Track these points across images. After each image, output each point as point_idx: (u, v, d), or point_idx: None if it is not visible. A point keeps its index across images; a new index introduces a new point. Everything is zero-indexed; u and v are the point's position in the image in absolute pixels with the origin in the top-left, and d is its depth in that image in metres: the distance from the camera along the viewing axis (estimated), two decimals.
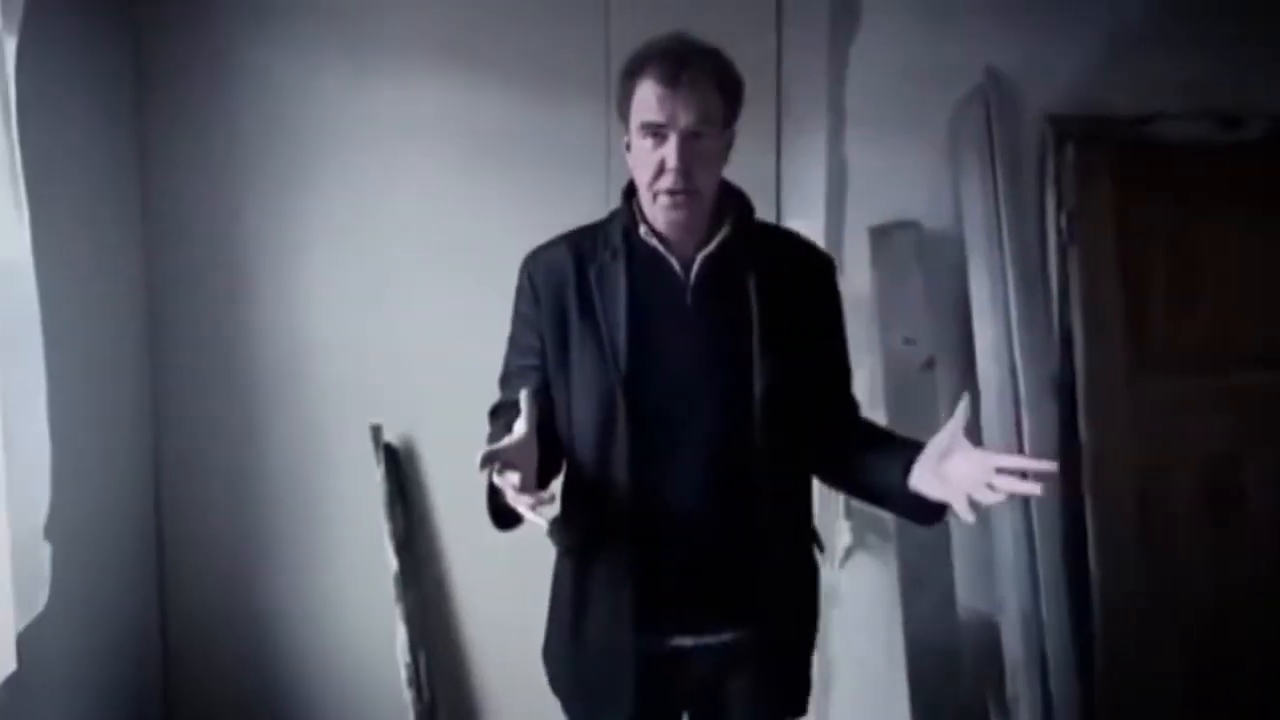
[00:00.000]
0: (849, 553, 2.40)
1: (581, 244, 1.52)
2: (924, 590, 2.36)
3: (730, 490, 1.46)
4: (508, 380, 1.54)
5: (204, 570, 2.47)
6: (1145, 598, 2.31)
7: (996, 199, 2.30)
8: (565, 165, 2.40)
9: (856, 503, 2.39)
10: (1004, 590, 2.30)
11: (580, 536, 1.51)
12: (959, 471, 1.36)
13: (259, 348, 2.45)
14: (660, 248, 1.47)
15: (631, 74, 1.44)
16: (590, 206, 2.50)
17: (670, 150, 1.40)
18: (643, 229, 1.48)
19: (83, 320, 2.01)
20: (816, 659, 2.38)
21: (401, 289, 2.45)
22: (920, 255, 2.34)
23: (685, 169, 1.40)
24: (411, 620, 2.46)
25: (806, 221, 2.41)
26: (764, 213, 2.46)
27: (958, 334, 2.35)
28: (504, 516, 1.37)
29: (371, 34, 2.41)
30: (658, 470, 1.44)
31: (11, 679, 1.70)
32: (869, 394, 2.36)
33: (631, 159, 1.46)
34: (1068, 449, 2.31)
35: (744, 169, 2.45)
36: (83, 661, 2.01)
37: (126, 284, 2.34)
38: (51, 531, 1.74)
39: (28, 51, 1.64)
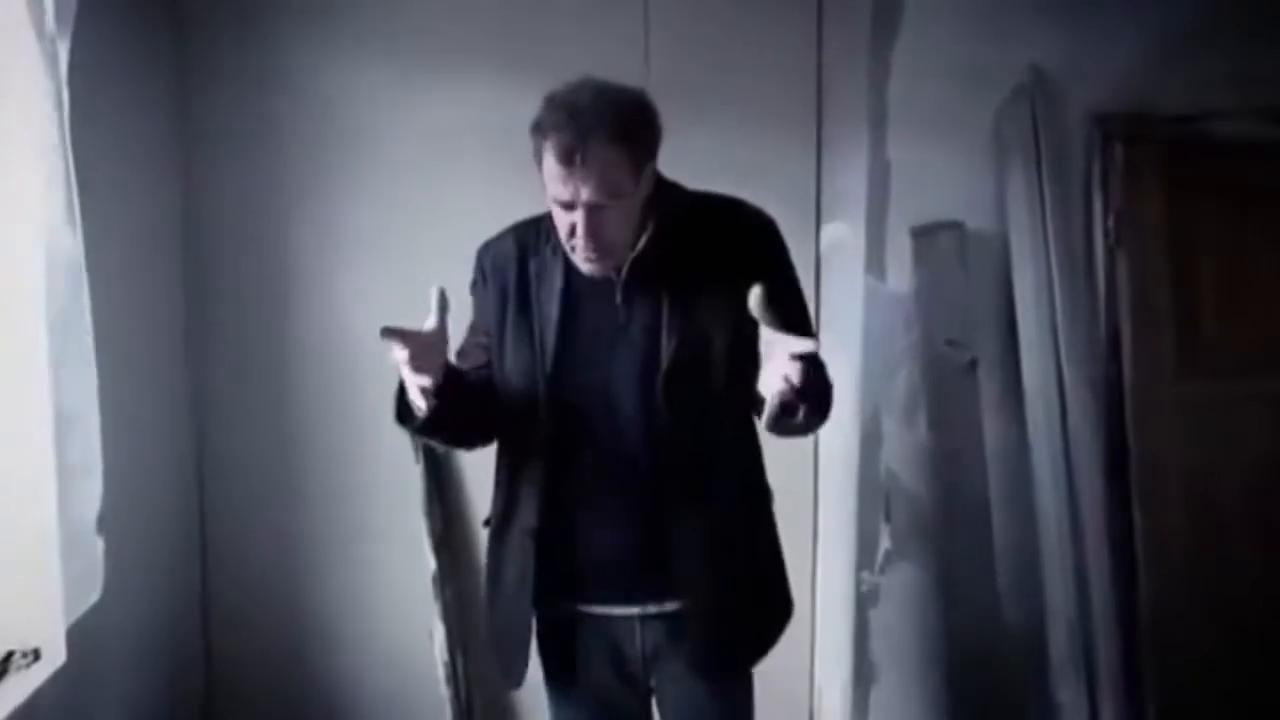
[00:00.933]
0: (889, 555, 2.38)
1: (527, 236, 1.61)
2: (965, 593, 2.34)
3: (640, 472, 1.53)
4: (460, 355, 1.65)
5: (244, 566, 2.50)
6: (1194, 601, 2.27)
7: (1042, 199, 2.27)
8: None
9: (897, 505, 2.38)
10: (1049, 593, 2.27)
11: (499, 509, 1.63)
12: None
13: (300, 348, 2.48)
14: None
15: (536, 133, 1.46)
16: None
17: (578, 220, 1.45)
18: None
19: (129, 322, 2.05)
20: (854, 659, 2.40)
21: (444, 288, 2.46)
22: (963, 256, 2.32)
23: (595, 237, 1.46)
24: (449, 618, 2.47)
25: (847, 223, 2.41)
26: (802, 214, 2.50)
27: (1001, 335, 2.32)
28: (407, 413, 1.51)
29: (415, 38, 2.43)
30: (575, 451, 1.54)
31: (61, 670, 1.72)
32: (909, 396, 2.34)
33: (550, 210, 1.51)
34: (1114, 451, 2.28)
35: (783, 170, 2.48)
36: (128, 654, 2.05)
37: (170, 286, 2.38)
38: (103, 525, 1.77)
39: (78, 56, 1.67)
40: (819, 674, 2.62)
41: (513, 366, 1.57)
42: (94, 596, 1.78)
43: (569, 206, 1.45)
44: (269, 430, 2.49)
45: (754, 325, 1.41)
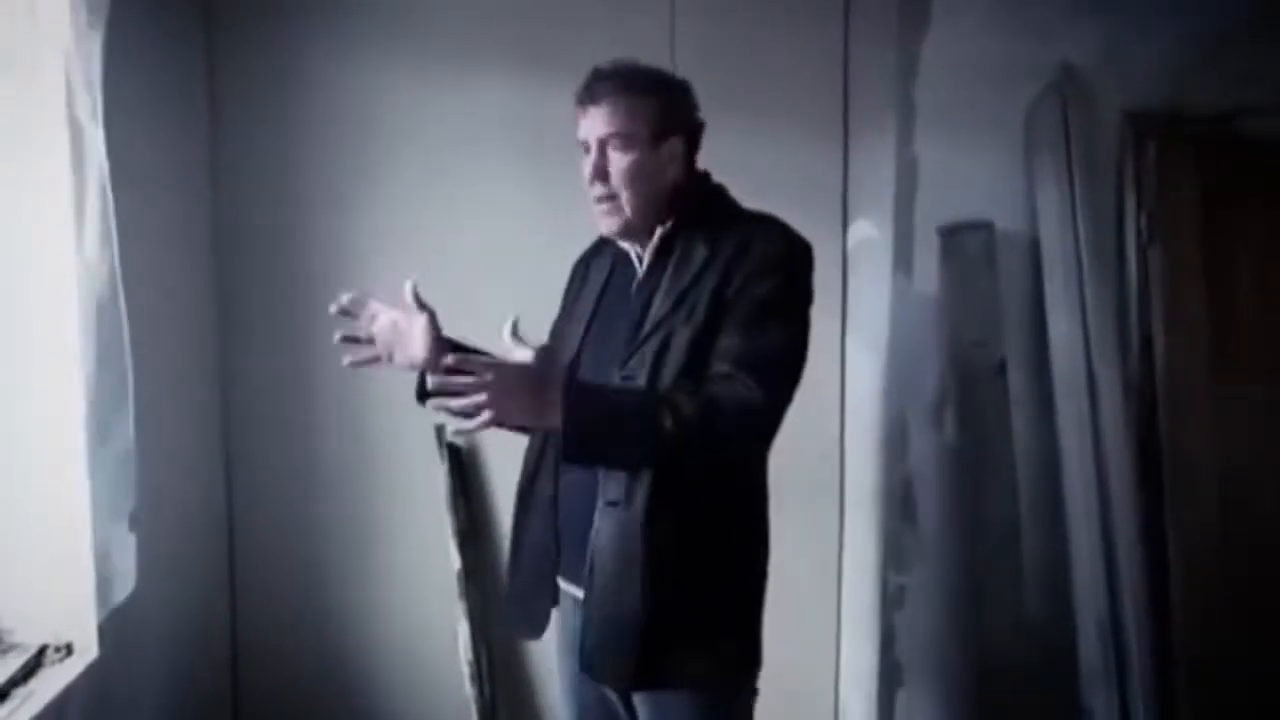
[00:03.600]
0: (915, 557, 2.36)
1: (601, 244, 1.75)
2: (993, 595, 2.32)
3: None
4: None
5: (271, 564, 2.53)
6: (1228, 605, 2.23)
7: (1073, 199, 2.24)
8: None
9: (924, 507, 2.36)
10: (1080, 597, 2.24)
11: (525, 478, 1.71)
12: None
13: (326, 348, 2.48)
14: (624, 243, 1.64)
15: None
16: None
17: (588, 161, 1.57)
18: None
19: (160, 320, 2.07)
20: (880, 662, 2.39)
21: (465, 291, 2.47)
22: (992, 256, 2.29)
23: (600, 177, 1.55)
24: (474, 617, 2.48)
25: (874, 222, 2.39)
26: (829, 213, 2.48)
27: (1030, 336, 2.30)
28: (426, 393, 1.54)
29: (437, 39, 2.44)
30: None
31: (94, 665, 1.74)
32: (937, 396, 2.33)
33: None
34: (1146, 453, 2.25)
35: (809, 169, 2.47)
36: (158, 648, 2.07)
37: (200, 285, 2.40)
38: (135, 522, 1.79)
39: (110, 57, 1.69)
40: (844, 675, 2.61)
41: (562, 349, 1.66)
42: (126, 593, 1.80)
43: (588, 150, 1.56)
44: (295, 429, 2.51)
45: (722, 319, 1.50)
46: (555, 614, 1.70)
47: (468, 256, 2.48)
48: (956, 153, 2.28)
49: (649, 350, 1.53)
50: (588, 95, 1.55)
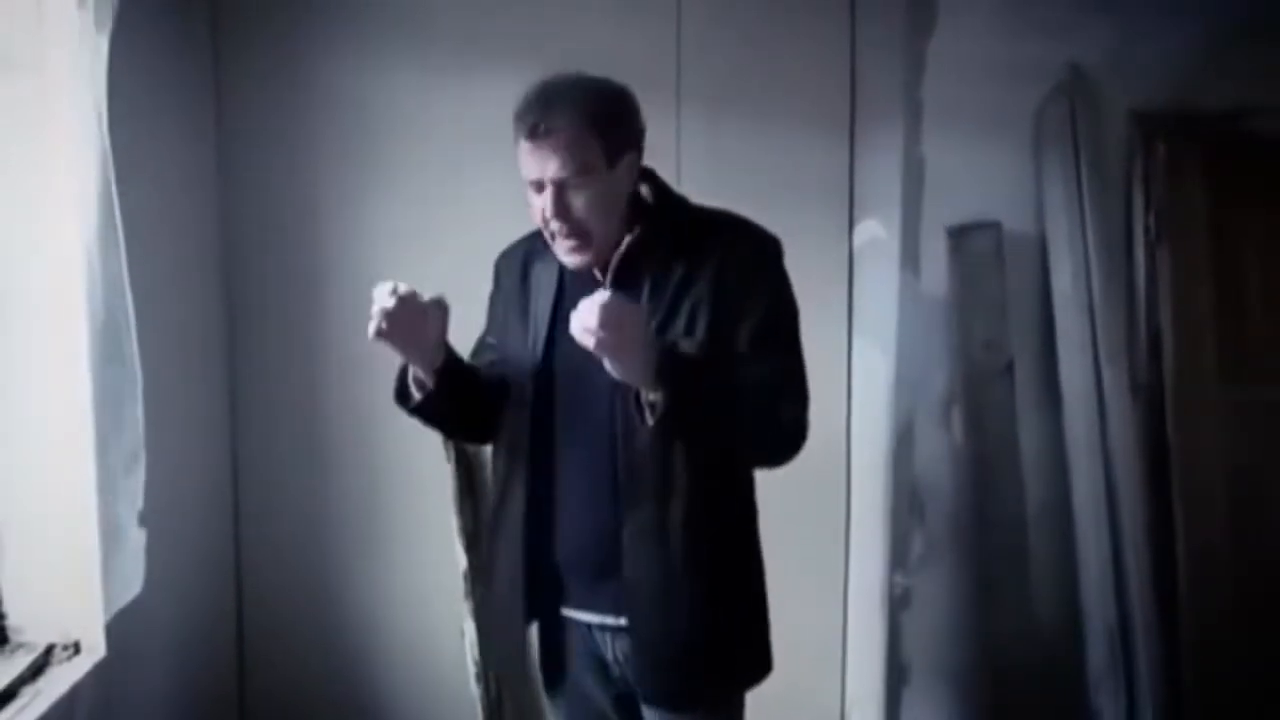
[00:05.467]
0: (922, 558, 2.36)
1: (535, 242, 1.61)
2: (1001, 597, 2.32)
3: (604, 479, 1.49)
4: (475, 354, 1.69)
5: (278, 564, 2.53)
6: (1236, 607, 2.23)
7: (1081, 198, 2.24)
8: None
9: (931, 507, 2.35)
10: (1087, 598, 2.24)
11: (494, 506, 1.63)
12: None
13: (332, 347, 2.50)
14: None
15: (514, 121, 1.48)
16: None
17: (546, 201, 1.45)
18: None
19: (167, 321, 2.07)
20: (885, 663, 2.38)
21: (473, 289, 2.47)
22: (1000, 256, 2.29)
23: (563, 217, 1.45)
24: (480, 617, 2.48)
25: (881, 221, 2.39)
26: (835, 212, 2.48)
27: (1038, 336, 2.30)
28: (405, 394, 1.57)
29: (445, 40, 2.43)
30: (554, 452, 1.54)
31: (101, 664, 1.75)
32: (945, 397, 2.32)
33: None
34: (1154, 454, 2.24)
35: (815, 168, 2.46)
36: (165, 648, 2.07)
37: (206, 286, 2.40)
38: (144, 521, 1.80)
39: (116, 60, 1.69)
40: (850, 676, 2.60)
41: (513, 366, 1.59)
42: (134, 591, 1.80)
43: (540, 187, 1.45)
44: (302, 429, 2.51)
45: (725, 345, 1.44)
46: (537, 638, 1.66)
47: (476, 256, 2.47)
48: (964, 152, 2.28)
49: None
50: (534, 128, 1.42)
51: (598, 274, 1.52)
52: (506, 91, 2.40)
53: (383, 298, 1.43)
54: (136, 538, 1.78)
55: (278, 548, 2.53)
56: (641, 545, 1.48)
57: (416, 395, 1.55)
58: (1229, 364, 2.25)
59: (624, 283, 1.50)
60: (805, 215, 2.44)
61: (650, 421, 1.37)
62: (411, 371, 1.54)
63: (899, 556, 2.37)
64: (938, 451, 2.34)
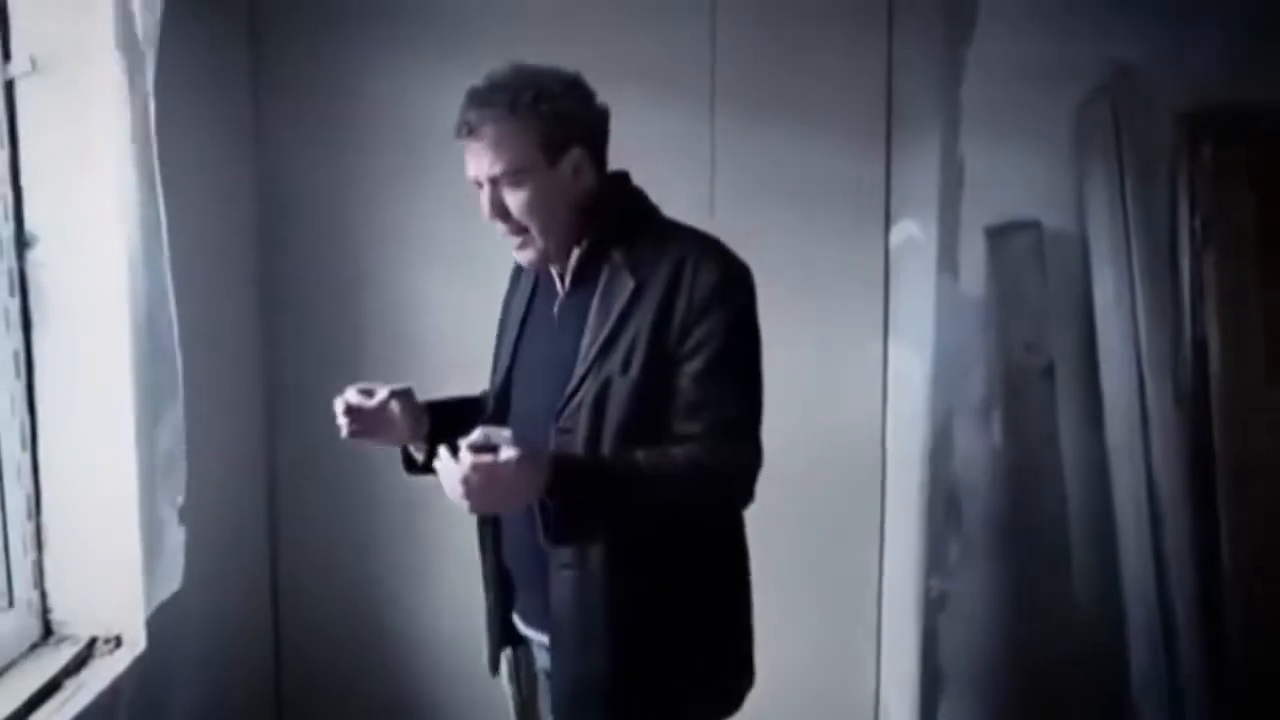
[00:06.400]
0: (959, 562, 2.33)
1: None
2: (1040, 602, 2.28)
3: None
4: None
5: (314, 560, 2.56)
6: None
7: (1124, 199, 2.20)
8: (670, 167, 2.38)
9: (968, 511, 2.33)
10: (1130, 605, 2.20)
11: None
12: None
13: (371, 346, 2.52)
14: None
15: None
16: (694, 208, 2.50)
17: (483, 200, 1.43)
18: None
19: (207, 320, 2.10)
20: (920, 667, 2.36)
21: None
22: (1040, 256, 2.26)
23: (501, 215, 1.42)
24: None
25: (918, 222, 2.36)
26: (871, 213, 2.45)
27: (1079, 339, 2.26)
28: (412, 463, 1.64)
29: (482, 43, 2.43)
30: None
31: (141, 657, 1.78)
32: (983, 400, 2.29)
33: None
34: (1199, 461, 2.20)
35: (850, 169, 2.44)
36: (203, 643, 2.10)
37: (246, 286, 2.44)
38: (184, 517, 1.82)
39: (161, 67, 1.72)
40: (884, 682, 2.58)
41: (497, 373, 1.61)
42: (175, 586, 1.83)
43: (480, 185, 1.42)
44: (337, 427, 2.53)
45: (671, 366, 1.37)
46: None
47: (508, 256, 2.48)
48: (1003, 152, 2.24)
49: (585, 400, 1.39)
50: (465, 128, 1.40)
51: (556, 278, 1.50)
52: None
53: (339, 408, 1.53)
54: (177, 534, 1.81)
55: (313, 543, 2.56)
56: (563, 582, 1.43)
57: (419, 458, 1.62)
58: (1276, 371, 2.20)
59: (580, 286, 1.47)
60: (841, 216, 2.43)
61: (549, 530, 1.31)
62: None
63: (935, 559, 2.34)
64: (976, 453, 2.31)
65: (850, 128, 2.43)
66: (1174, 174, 2.24)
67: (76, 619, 1.79)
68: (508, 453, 1.25)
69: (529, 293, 1.57)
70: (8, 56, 1.67)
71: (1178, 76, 2.21)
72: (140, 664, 1.77)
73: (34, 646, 1.74)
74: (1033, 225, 2.26)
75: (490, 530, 1.61)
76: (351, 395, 1.54)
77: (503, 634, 1.67)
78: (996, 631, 2.33)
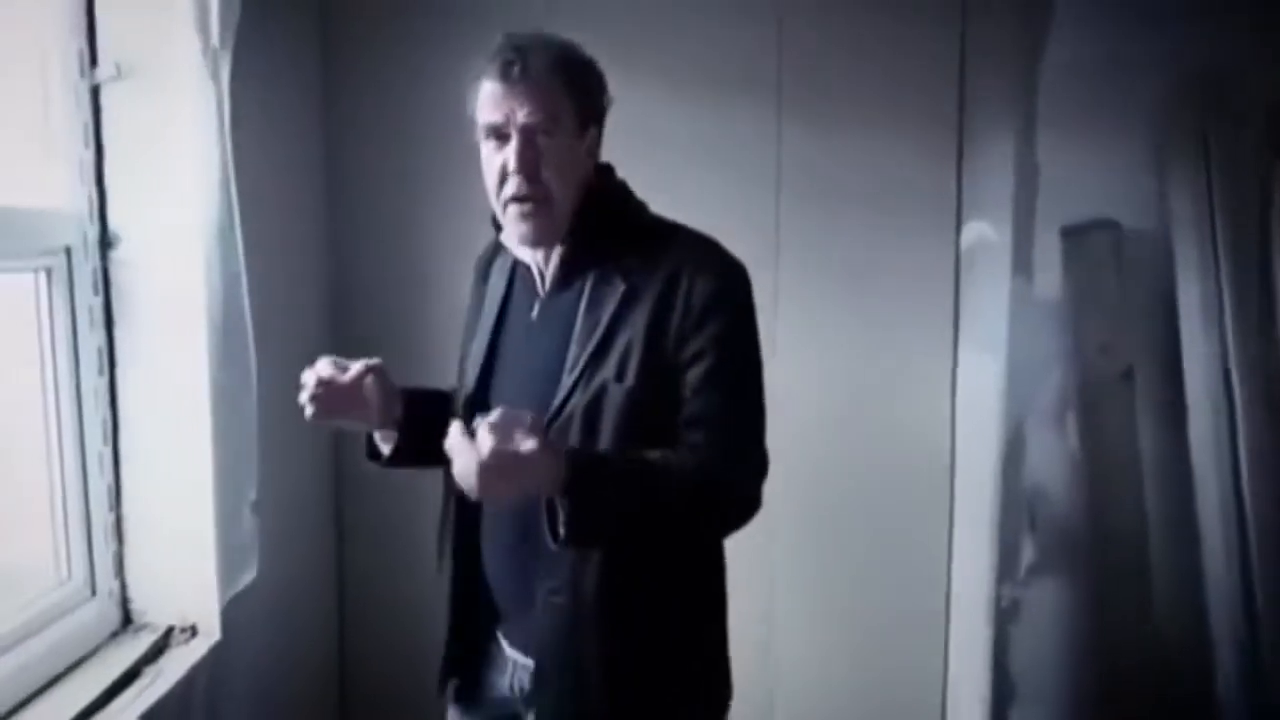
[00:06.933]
0: (1032, 569, 2.27)
1: (498, 244, 1.50)
2: (1118, 612, 2.21)
3: (524, 513, 1.32)
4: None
5: (378, 549, 2.59)
6: None
7: (1210, 202, 2.11)
8: (735, 172, 2.37)
9: (1042, 516, 2.26)
10: (1214, 617, 2.12)
11: (440, 523, 1.52)
12: None
13: (435, 348, 2.54)
14: (526, 256, 1.41)
15: (475, 76, 1.34)
16: (760, 214, 2.49)
17: (510, 152, 1.31)
18: (505, 235, 1.41)
19: (278, 318, 2.13)
20: (991, 677, 2.30)
21: None
22: (1118, 256, 2.19)
23: (529, 172, 1.30)
24: None
25: (990, 222, 2.31)
26: (942, 213, 2.40)
27: (1161, 342, 2.18)
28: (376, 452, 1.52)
29: None
30: None
31: (217, 646, 1.82)
32: (1058, 404, 2.23)
33: (482, 167, 1.37)
34: None
35: (920, 168, 2.39)
36: (273, 633, 2.15)
37: (316, 284, 2.48)
38: (258, 509, 1.86)
39: (237, 68, 1.76)
40: (951, 692, 2.52)
41: (468, 376, 1.48)
42: (249, 577, 1.87)
43: (503, 137, 1.32)
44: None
45: (668, 375, 1.28)
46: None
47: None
48: (1080, 151, 2.18)
49: (576, 410, 1.31)
50: (508, 68, 1.29)
51: (538, 277, 1.41)
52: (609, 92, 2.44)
53: (309, 380, 1.38)
54: (250, 526, 1.85)
55: (378, 534, 2.59)
56: (551, 611, 1.34)
57: (385, 450, 1.48)
58: None
59: (562, 288, 1.38)
60: (910, 217, 2.38)
61: (561, 533, 1.21)
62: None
63: (1007, 567, 2.29)
64: (1051, 459, 2.25)
65: (920, 128, 2.39)
66: (1264, 174, 2.15)
67: (155, 608, 1.83)
68: (528, 444, 1.15)
69: (502, 293, 1.47)
70: (94, 63, 1.72)
71: (1267, 72, 2.12)
72: (215, 652, 1.81)
73: (114, 635, 1.79)
74: (1111, 225, 2.19)
75: (461, 539, 1.47)
76: (323, 367, 1.40)
77: (463, 656, 1.51)
78: (1070, 642, 2.26)
